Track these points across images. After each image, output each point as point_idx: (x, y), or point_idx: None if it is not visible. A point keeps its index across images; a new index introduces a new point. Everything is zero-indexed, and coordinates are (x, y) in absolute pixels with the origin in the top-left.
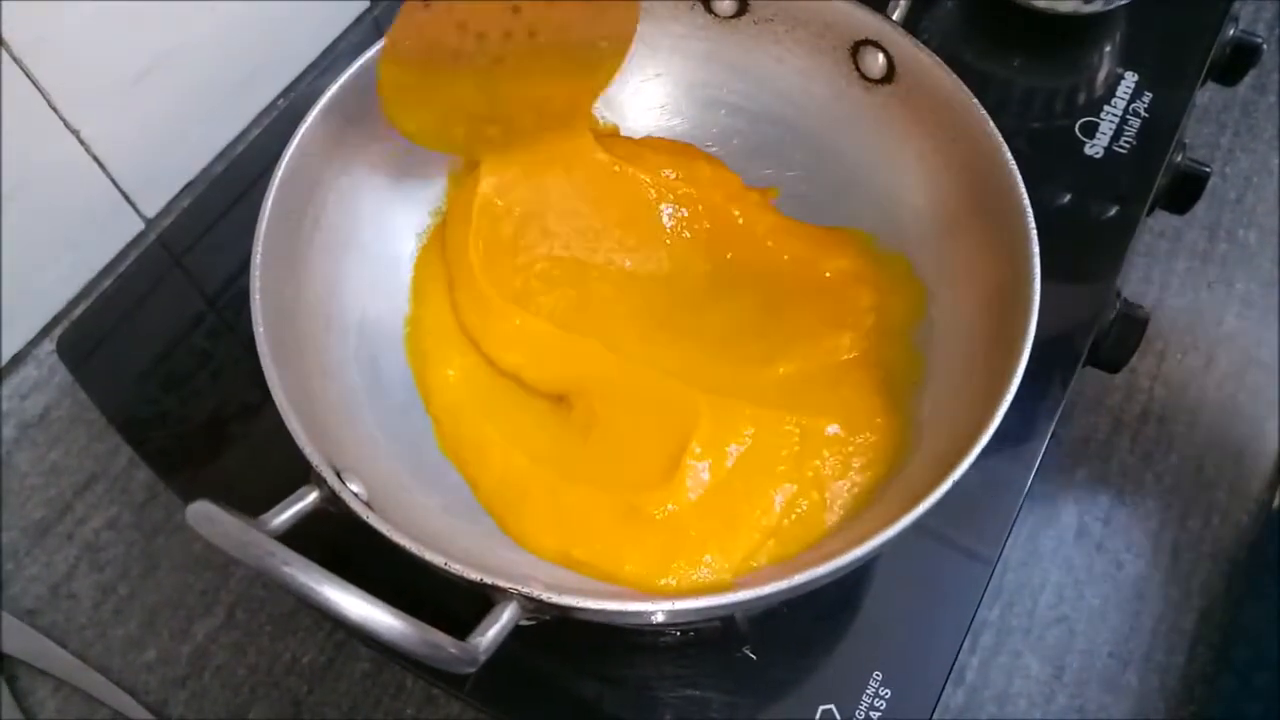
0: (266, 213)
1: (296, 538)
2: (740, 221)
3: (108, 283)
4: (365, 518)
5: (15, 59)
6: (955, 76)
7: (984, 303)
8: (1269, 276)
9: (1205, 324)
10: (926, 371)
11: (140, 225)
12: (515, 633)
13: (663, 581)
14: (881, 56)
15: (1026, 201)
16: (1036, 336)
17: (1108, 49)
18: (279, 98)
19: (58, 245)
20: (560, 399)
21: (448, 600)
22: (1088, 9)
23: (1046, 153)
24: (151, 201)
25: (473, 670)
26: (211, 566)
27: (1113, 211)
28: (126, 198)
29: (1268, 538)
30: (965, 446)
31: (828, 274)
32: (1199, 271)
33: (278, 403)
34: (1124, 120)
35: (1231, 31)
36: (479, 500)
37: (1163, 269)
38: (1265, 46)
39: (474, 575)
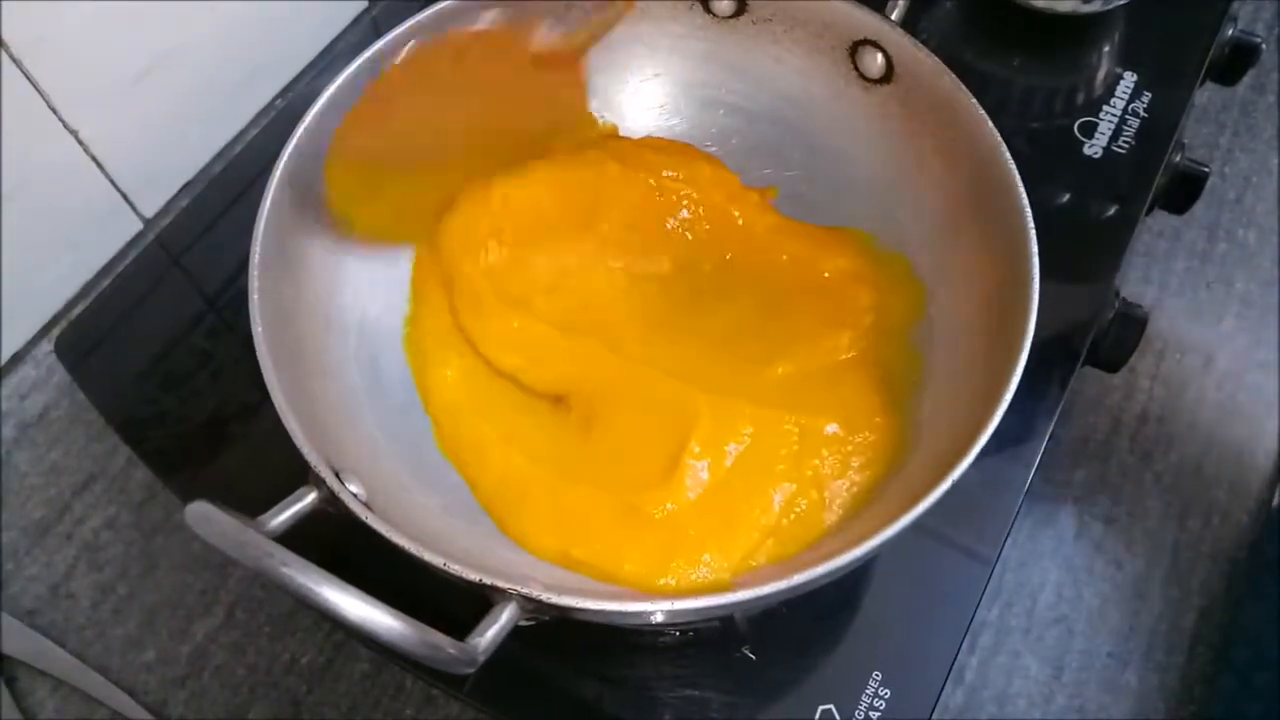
0: (265, 213)
1: (295, 538)
2: (739, 221)
3: (106, 283)
4: (364, 518)
5: (14, 59)
6: (954, 76)
7: (983, 302)
8: (1268, 276)
9: (1204, 323)
10: (925, 371)
11: (139, 225)
12: (514, 633)
13: (662, 581)
14: (880, 56)
15: (1025, 201)
16: (1035, 336)
17: (1106, 49)
18: (277, 98)
19: (56, 245)
20: (559, 400)
21: (447, 601)
22: (1086, 9)
23: (1045, 152)
24: (150, 201)
25: (472, 671)
26: (210, 566)
27: (1112, 211)
28: (125, 198)
29: (1267, 537)
30: (964, 446)
31: (827, 274)
32: (1198, 271)
33: (276, 403)
34: (1123, 120)
35: (1230, 31)
36: (478, 500)
37: (1162, 269)
38: (1264, 46)
39: (473, 576)
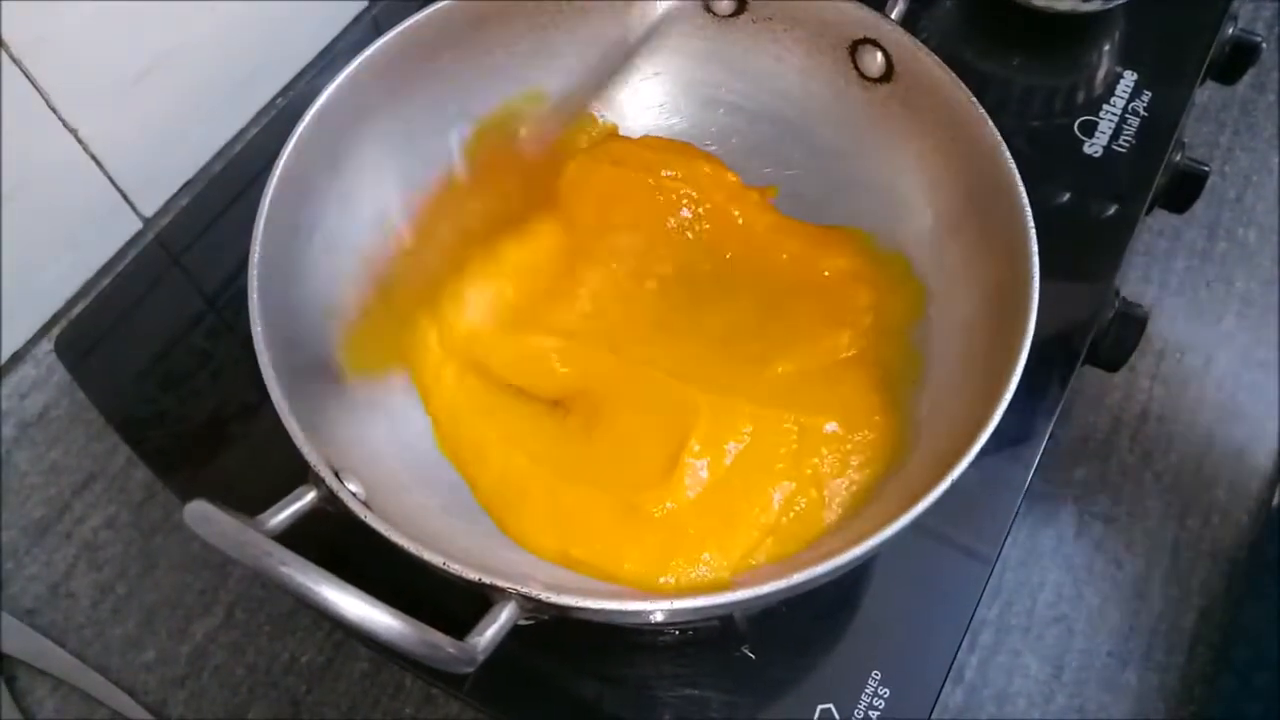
0: (264, 212)
1: (294, 537)
2: (739, 221)
3: (106, 282)
4: (363, 517)
5: (14, 58)
6: (954, 75)
7: (983, 301)
8: (1268, 275)
9: (1204, 323)
10: (925, 370)
11: (138, 224)
12: (514, 632)
13: (661, 580)
14: (880, 55)
15: (1025, 200)
16: (1035, 335)
17: (1106, 48)
18: (277, 97)
19: (56, 244)
20: (559, 401)
21: (446, 600)
22: (1086, 8)
23: (1045, 151)
24: (150, 201)
25: (471, 670)
26: (210, 566)
27: (1112, 210)
28: (125, 197)
29: (1267, 537)
30: (964, 445)
31: (826, 273)
32: (1198, 270)
33: (276, 402)
34: (1123, 119)
35: (1230, 30)
36: (478, 500)
37: (1162, 268)
38: (1264, 45)
39: (472, 575)
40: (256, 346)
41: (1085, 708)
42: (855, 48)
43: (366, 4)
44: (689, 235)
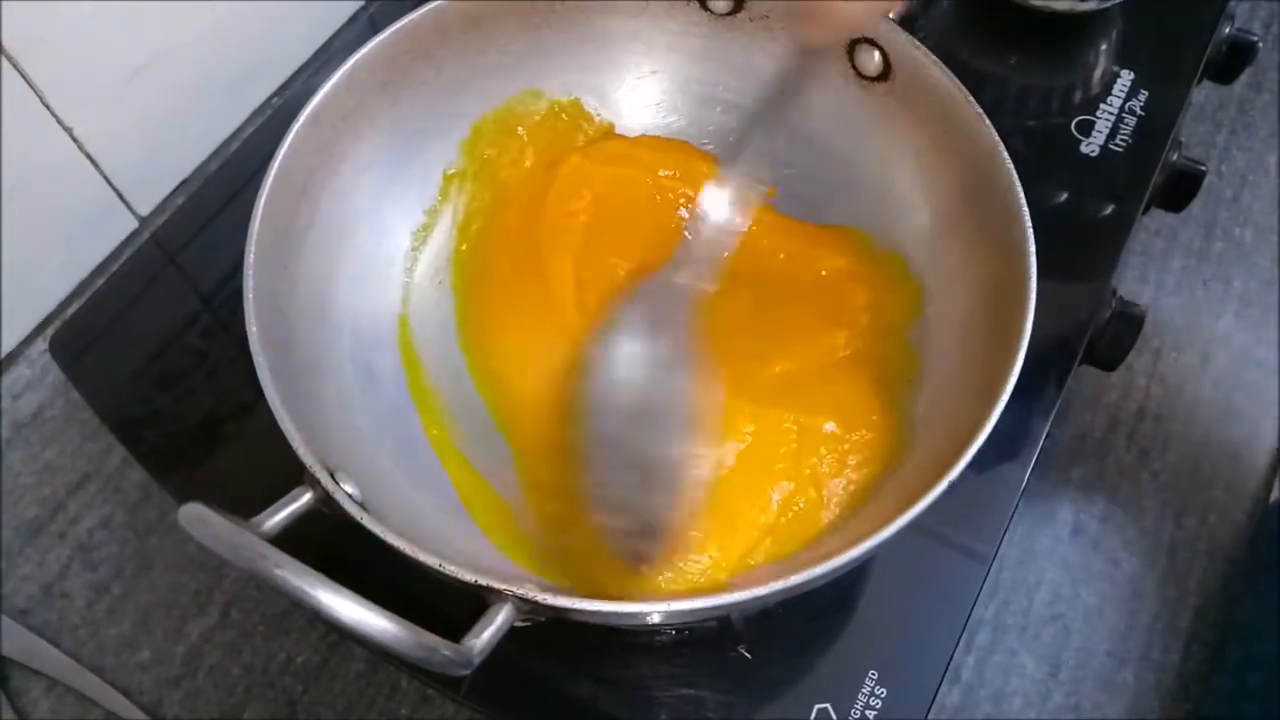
0: (260, 211)
1: (290, 539)
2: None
3: (101, 281)
4: (359, 519)
5: (8, 57)
6: (951, 75)
7: (980, 301)
8: (1265, 274)
9: (1202, 322)
10: (922, 370)
11: (134, 224)
12: (510, 634)
13: (662, 580)
14: (878, 54)
15: (1023, 200)
16: (1032, 335)
17: (1103, 47)
18: (273, 96)
19: (51, 244)
20: None
21: (442, 602)
22: (1083, 7)
23: (1042, 151)
24: (145, 200)
25: (468, 672)
26: (205, 566)
27: (1109, 210)
28: (120, 196)
29: (1264, 536)
30: (962, 445)
31: (824, 272)
32: (1195, 270)
33: (271, 403)
34: (1120, 118)
35: (1227, 30)
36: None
37: (1159, 267)
38: (1261, 45)
39: (469, 577)
40: (252, 346)
41: (1081, 707)
42: (853, 47)
43: (363, 3)
44: (686, 235)
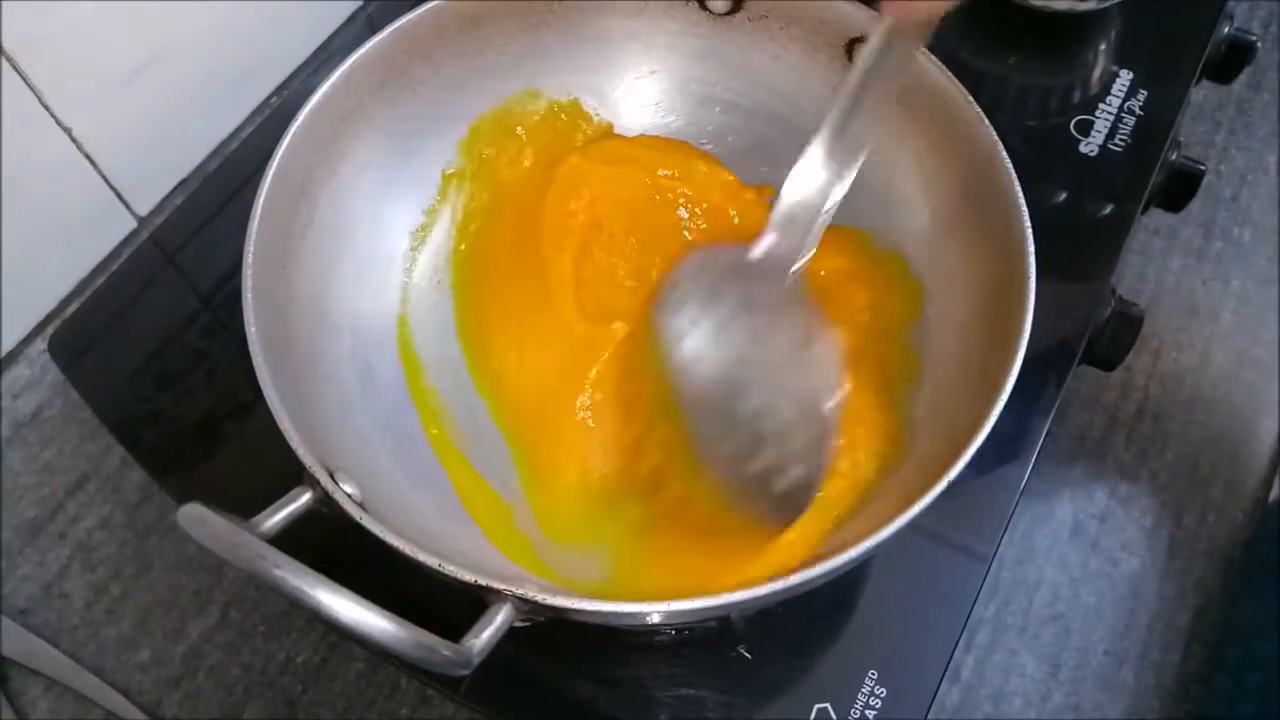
0: (259, 211)
1: (289, 539)
2: (736, 220)
3: (100, 281)
4: (359, 519)
5: (8, 57)
6: (950, 75)
7: (980, 301)
8: (1264, 274)
9: (1200, 321)
10: (922, 370)
11: (133, 223)
12: (510, 634)
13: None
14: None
15: (1022, 200)
16: (1032, 335)
17: (1103, 47)
18: (272, 95)
19: (49, 244)
20: None
21: (442, 602)
22: (1082, 7)
23: (1042, 151)
24: (144, 200)
25: (467, 672)
26: (205, 567)
27: (1108, 209)
28: (119, 196)
29: (1263, 535)
30: (961, 445)
31: (823, 272)
32: (1194, 269)
33: (270, 403)
34: (1119, 118)
35: (1226, 29)
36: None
37: (1158, 267)
38: (1260, 45)
39: (468, 577)
40: (251, 346)
41: (1081, 706)
42: (852, 46)
43: (361, 3)
44: (686, 234)
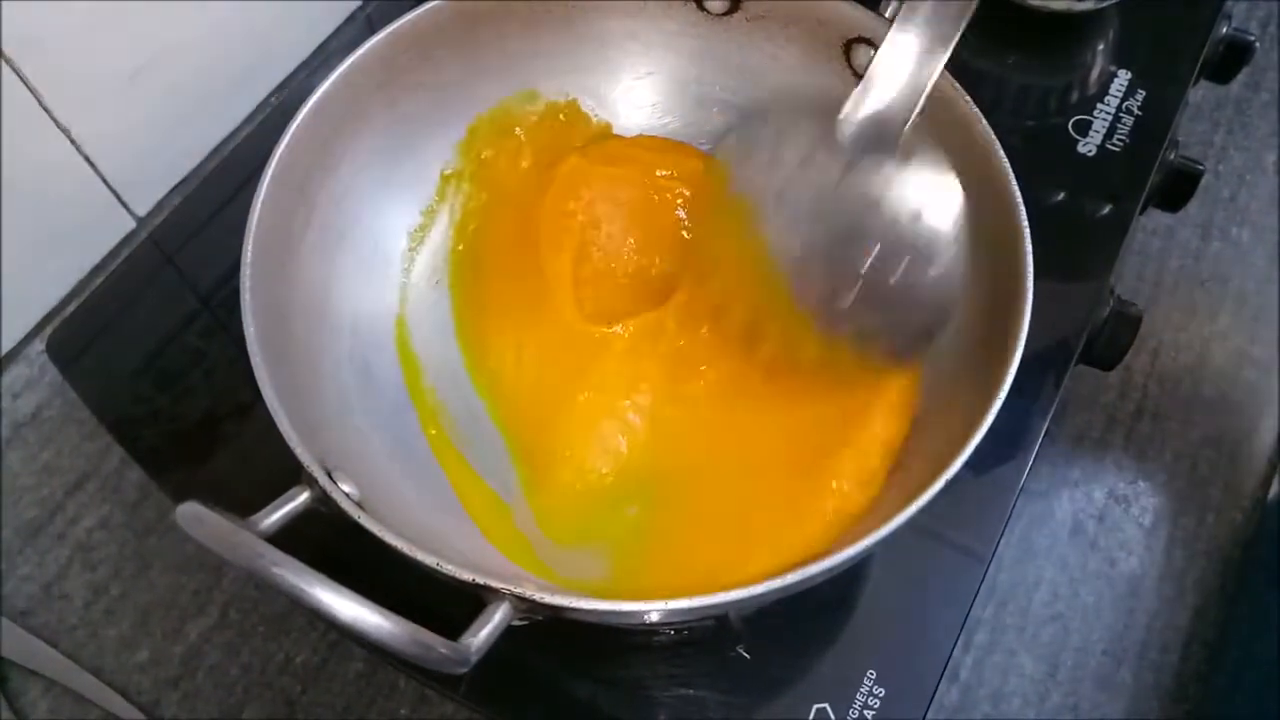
0: (257, 211)
1: (288, 538)
2: None
3: (99, 282)
4: (357, 518)
5: (6, 58)
6: (949, 74)
7: (978, 300)
8: (1262, 274)
9: (1199, 322)
10: (921, 369)
11: (131, 224)
12: (508, 633)
13: None
14: (874, 53)
15: (1020, 199)
16: (1030, 334)
17: (1101, 47)
18: (271, 96)
19: (48, 244)
20: None
21: (440, 601)
22: (1080, 7)
23: (1040, 151)
24: (143, 200)
25: (465, 671)
26: (204, 567)
27: (1106, 209)
28: (117, 196)
29: (1262, 535)
30: (959, 444)
31: None
32: (1192, 269)
33: (268, 402)
34: (1117, 118)
35: (1224, 29)
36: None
37: (1156, 267)
38: (1258, 45)
39: (466, 575)
40: (249, 346)
41: (1080, 706)
42: (850, 46)
43: (360, 3)
44: (684, 234)
